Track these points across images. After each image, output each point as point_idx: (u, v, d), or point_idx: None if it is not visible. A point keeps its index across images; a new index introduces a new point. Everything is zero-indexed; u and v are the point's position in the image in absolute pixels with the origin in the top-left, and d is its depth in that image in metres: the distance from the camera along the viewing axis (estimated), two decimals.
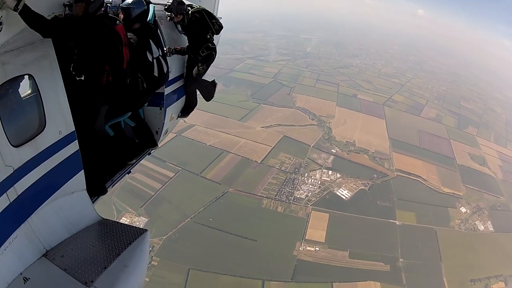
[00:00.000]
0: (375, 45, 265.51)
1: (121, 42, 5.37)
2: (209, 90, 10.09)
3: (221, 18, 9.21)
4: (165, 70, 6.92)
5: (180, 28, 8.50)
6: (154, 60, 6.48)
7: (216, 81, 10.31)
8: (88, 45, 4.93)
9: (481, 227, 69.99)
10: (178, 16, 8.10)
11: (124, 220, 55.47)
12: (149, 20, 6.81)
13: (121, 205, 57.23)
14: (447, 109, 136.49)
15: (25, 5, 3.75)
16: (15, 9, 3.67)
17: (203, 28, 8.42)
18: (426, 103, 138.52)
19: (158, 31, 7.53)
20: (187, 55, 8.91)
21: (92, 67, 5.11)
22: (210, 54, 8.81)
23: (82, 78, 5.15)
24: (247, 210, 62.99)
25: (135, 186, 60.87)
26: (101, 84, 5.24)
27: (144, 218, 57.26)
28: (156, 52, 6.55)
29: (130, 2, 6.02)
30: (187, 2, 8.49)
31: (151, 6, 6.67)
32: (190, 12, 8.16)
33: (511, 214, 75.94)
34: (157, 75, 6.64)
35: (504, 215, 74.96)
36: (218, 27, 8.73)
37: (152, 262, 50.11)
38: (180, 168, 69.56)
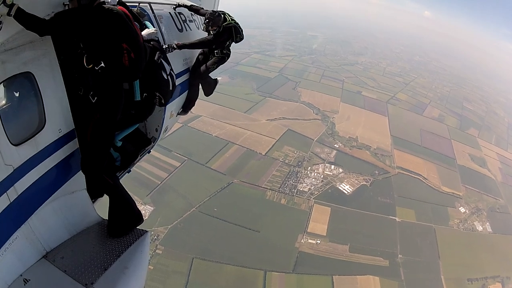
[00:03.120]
0: (381, 44, 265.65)
1: (128, 18, 5.14)
2: (210, 86, 10.80)
3: None
4: (175, 81, 6.91)
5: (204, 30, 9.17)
6: (168, 77, 6.45)
7: (222, 74, 10.85)
8: (96, 30, 4.71)
9: (480, 228, 70.44)
10: (212, 28, 8.88)
11: None
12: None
13: None
14: (450, 110, 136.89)
15: (18, 8, 3.81)
16: (8, 15, 3.74)
17: (228, 37, 9.22)
18: (429, 103, 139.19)
19: (160, 33, 7.85)
20: (198, 55, 9.68)
21: (109, 49, 4.87)
22: (222, 58, 9.62)
23: (103, 65, 4.88)
24: (251, 201, 63.75)
25: (141, 175, 61.24)
26: (125, 65, 4.97)
27: (150, 207, 58.00)
28: (168, 68, 6.52)
29: None
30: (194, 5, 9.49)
31: (147, 23, 6.71)
32: (223, 25, 8.91)
33: (509, 216, 76.21)
34: (171, 89, 6.66)
35: (502, 217, 75.38)
36: (239, 40, 9.53)
37: (157, 251, 50.99)
38: (186, 158, 70.22)
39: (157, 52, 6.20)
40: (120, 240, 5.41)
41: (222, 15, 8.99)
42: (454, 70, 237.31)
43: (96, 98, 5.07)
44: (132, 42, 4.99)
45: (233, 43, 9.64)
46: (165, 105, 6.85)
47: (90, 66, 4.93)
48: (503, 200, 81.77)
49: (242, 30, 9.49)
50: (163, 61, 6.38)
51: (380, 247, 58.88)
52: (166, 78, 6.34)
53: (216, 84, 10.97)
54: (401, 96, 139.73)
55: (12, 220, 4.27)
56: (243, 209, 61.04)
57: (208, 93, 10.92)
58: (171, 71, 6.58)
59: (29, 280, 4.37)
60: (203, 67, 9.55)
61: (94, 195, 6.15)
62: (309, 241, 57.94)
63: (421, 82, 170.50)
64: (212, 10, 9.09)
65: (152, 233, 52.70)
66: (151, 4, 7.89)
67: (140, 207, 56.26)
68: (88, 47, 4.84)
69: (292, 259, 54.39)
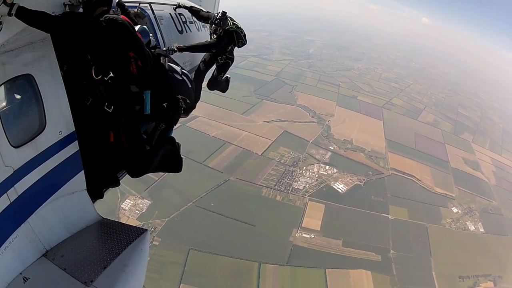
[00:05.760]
0: (377, 50, 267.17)
1: (132, 26, 5.26)
2: (224, 86, 11.28)
3: None
4: (191, 77, 6.99)
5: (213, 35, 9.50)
6: (183, 76, 6.47)
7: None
8: (103, 41, 4.83)
9: (472, 228, 71.40)
10: (220, 29, 9.22)
11: (128, 202, 57.59)
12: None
13: (125, 187, 58.61)
14: (445, 115, 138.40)
15: (20, 7, 3.78)
16: (9, 14, 3.71)
17: (229, 42, 9.62)
18: (424, 108, 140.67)
19: (160, 34, 8.05)
20: (200, 62, 10.10)
21: (117, 59, 5.05)
22: (226, 62, 10.18)
23: (111, 74, 5.11)
24: (247, 197, 64.97)
25: None
26: (133, 73, 5.16)
27: (147, 201, 58.71)
28: (178, 68, 6.50)
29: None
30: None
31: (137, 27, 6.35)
32: (226, 28, 9.32)
33: (502, 218, 77.19)
34: (190, 86, 6.69)
35: (495, 218, 76.40)
36: (241, 44, 9.92)
37: (154, 242, 51.64)
38: (184, 156, 69.84)
39: (161, 57, 6.34)
40: (120, 239, 5.44)
41: (227, 19, 9.36)
42: (450, 76, 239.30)
43: (112, 107, 5.31)
44: (138, 50, 5.20)
45: (236, 47, 10.07)
46: (191, 105, 6.97)
47: (99, 77, 5.22)
48: (496, 201, 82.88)
49: (245, 36, 9.88)
50: (170, 64, 6.42)
51: (372, 242, 59.96)
52: (181, 78, 6.42)
53: (228, 82, 11.42)
54: (396, 101, 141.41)
55: (12, 219, 4.35)
56: (239, 205, 62.16)
57: (225, 90, 11.58)
58: (182, 69, 6.62)
59: (29, 278, 4.45)
60: (212, 80, 10.48)
61: (94, 196, 6.22)
62: (303, 235, 59.07)
63: (417, 88, 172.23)
64: (222, 11, 9.30)
65: (149, 225, 53.83)
66: (151, 5, 8.01)
67: (138, 201, 58.09)
68: (96, 58, 5.09)
69: (286, 252, 55.47)
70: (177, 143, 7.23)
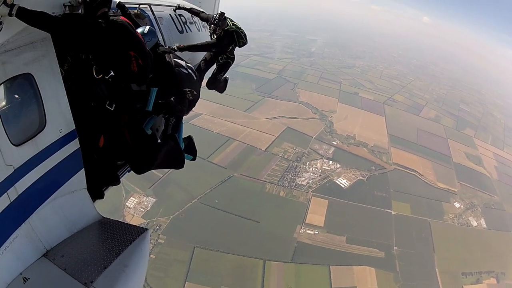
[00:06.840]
0: (379, 48, 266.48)
1: (132, 26, 5.24)
2: (222, 86, 11.10)
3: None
4: (195, 70, 7.00)
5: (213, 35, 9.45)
6: (188, 70, 6.52)
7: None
8: (104, 42, 4.83)
9: (474, 223, 71.53)
10: (219, 30, 9.17)
11: (132, 200, 57.88)
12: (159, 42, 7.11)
13: (129, 185, 58.78)
14: (446, 111, 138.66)
15: (20, 8, 3.78)
16: (9, 15, 3.72)
17: (230, 42, 9.56)
18: (426, 104, 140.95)
19: (161, 34, 7.99)
20: (200, 61, 10.08)
21: (118, 58, 5.05)
22: (227, 62, 10.12)
23: (112, 74, 5.27)
24: (251, 193, 65.28)
25: None
26: (134, 72, 5.14)
27: (152, 198, 59.06)
28: (183, 62, 6.57)
29: (143, 34, 5.91)
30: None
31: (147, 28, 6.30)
32: (226, 29, 9.27)
33: (504, 213, 77.30)
34: (196, 78, 6.77)
35: (497, 214, 76.49)
36: (242, 44, 9.89)
37: (159, 240, 52.09)
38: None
39: (166, 55, 6.36)
40: (120, 238, 5.42)
41: (227, 19, 9.34)
42: (451, 73, 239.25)
43: (114, 105, 5.47)
44: (138, 49, 5.17)
45: (237, 47, 10.05)
46: (197, 96, 6.99)
47: (100, 76, 5.36)
48: (498, 197, 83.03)
49: (245, 35, 9.85)
50: (176, 60, 6.48)
51: (376, 238, 60.17)
52: (187, 72, 6.48)
53: (227, 82, 11.28)
54: (398, 97, 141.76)
55: (12, 219, 4.33)
56: (243, 201, 62.42)
57: (222, 91, 11.53)
58: (187, 63, 6.67)
59: (29, 278, 4.42)
60: (211, 79, 10.50)
61: (95, 196, 6.17)
62: (307, 231, 59.38)
63: (418, 85, 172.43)
64: (220, 12, 9.28)
65: (154, 223, 54.21)
66: (151, 6, 8.03)
67: (142, 199, 58.40)
68: (97, 58, 5.13)
69: (291, 249, 55.76)
70: (189, 136, 7.71)
